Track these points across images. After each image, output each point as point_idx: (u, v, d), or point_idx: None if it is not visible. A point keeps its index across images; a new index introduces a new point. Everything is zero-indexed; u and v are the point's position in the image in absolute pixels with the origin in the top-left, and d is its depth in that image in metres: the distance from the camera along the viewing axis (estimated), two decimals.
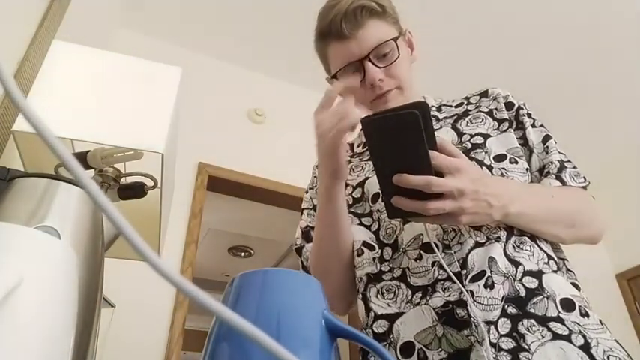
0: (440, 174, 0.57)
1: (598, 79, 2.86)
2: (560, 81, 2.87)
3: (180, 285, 0.19)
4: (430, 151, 0.56)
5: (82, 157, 0.79)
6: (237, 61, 2.76)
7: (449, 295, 0.63)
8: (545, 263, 0.67)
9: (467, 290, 0.62)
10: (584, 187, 0.74)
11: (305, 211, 0.91)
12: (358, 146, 0.90)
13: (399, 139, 0.56)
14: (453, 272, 0.64)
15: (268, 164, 2.49)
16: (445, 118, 0.83)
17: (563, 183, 0.72)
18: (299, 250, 0.87)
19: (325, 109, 0.63)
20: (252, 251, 4.86)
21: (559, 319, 0.61)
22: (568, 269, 0.70)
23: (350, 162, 0.87)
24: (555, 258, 0.69)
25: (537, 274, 0.64)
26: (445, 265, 0.64)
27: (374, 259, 0.75)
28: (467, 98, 0.87)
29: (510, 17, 2.48)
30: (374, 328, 0.69)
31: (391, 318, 0.68)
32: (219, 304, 0.20)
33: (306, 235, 0.87)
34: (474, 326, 0.59)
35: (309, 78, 2.87)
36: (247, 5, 2.42)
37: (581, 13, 2.44)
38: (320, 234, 0.77)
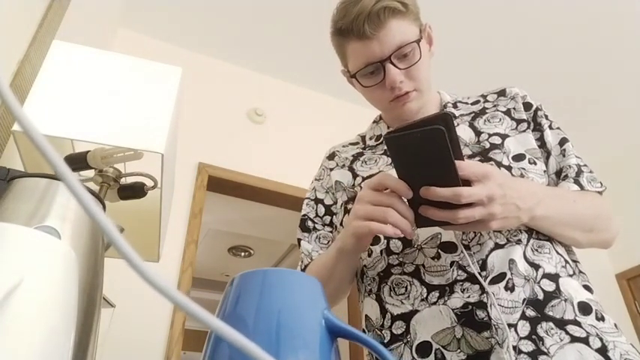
0: (467, 181, 0.56)
1: (598, 79, 2.86)
2: (560, 81, 2.87)
3: (177, 301, 0.19)
4: (456, 162, 0.55)
5: (82, 157, 0.79)
6: (237, 61, 2.76)
7: (468, 297, 0.63)
8: (562, 267, 0.67)
9: (487, 292, 0.62)
10: (600, 192, 0.74)
11: (305, 200, 0.91)
12: (370, 139, 0.90)
13: (425, 154, 0.55)
14: (471, 274, 0.64)
15: (268, 164, 2.49)
16: (462, 115, 0.83)
17: (582, 187, 0.72)
18: (299, 242, 0.88)
19: (374, 189, 0.61)
20: (252, 251, 4.86)
21: (576, 322, 0.61)
22: (581, 271, 0.70)
23: (362, 154, 0.87)
24: (570, 261, 0.69)
25: (554, 278, 0.65)
26: (472, 265, 0.64)
27: (381, 252, 0.74)
28: (483, 96, 0.86)
29: (512, 15, 2.48)
30: (392, 330, 0.69)
31: (406, 317, 0.68)
32: (210, 315, 0.20)
33: (303, 225, 0.88)
34: (494, 328, 0.59)
35: (309, 78, 2.88)
36: (247, 5, 2.42)
37: (584, 11, 2.44)
38: (319, 268, 0.78)
